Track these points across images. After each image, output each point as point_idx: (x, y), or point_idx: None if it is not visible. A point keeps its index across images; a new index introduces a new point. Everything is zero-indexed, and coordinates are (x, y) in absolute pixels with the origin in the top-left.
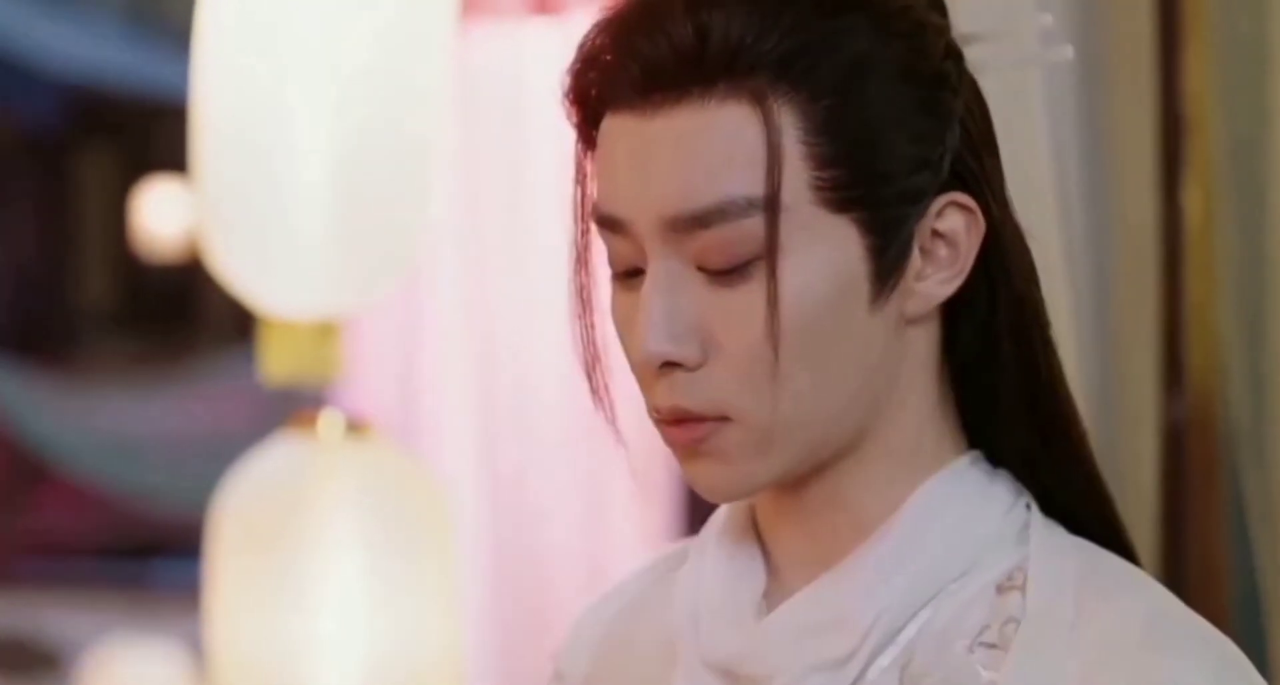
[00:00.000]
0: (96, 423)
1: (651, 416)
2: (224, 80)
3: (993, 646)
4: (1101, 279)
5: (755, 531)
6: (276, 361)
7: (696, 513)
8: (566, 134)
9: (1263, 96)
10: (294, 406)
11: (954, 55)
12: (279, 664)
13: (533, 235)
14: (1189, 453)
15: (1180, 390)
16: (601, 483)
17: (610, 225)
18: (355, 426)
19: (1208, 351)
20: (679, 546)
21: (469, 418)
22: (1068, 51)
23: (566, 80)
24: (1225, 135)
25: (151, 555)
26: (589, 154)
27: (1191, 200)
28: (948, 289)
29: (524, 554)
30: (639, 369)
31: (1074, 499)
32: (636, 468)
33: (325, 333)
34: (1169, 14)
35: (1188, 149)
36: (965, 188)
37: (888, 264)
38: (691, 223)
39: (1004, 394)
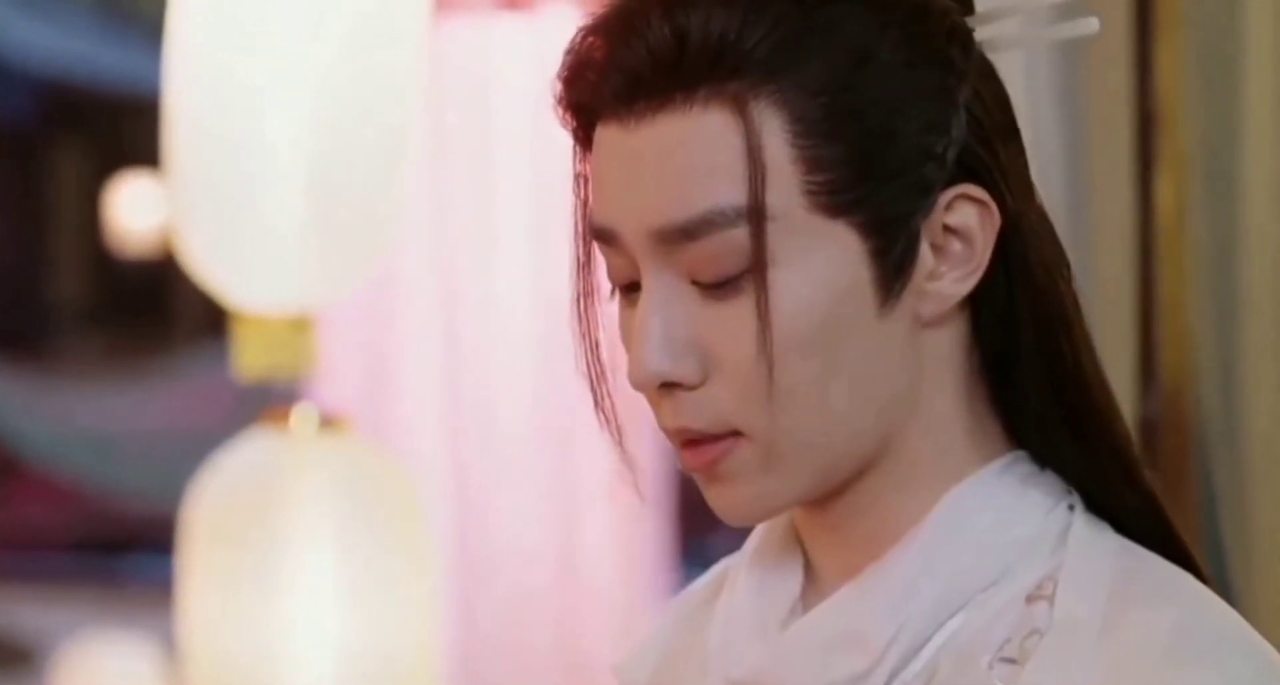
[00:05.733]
0: (70, 418)
1: (666, 436)
2: (197, 75)
3: (1011, 661)
4: (1077, 276)
5: (797, 540)
6: (249, 356)
7: (677, 511)
8: (536, 129)
9: (1235, 93)
10: (267, 401)
11: (960, 38)
12: (252, 659)
13: (502, 230)
14: (1161, 449)
15: (1153, 387)
16: (572, 478)
17: (603, 237)
18: (328, 421)
19: (1180, 349)
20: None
21: (440, 412)
22: (1092, 24)
23: (558, 88)
24: (1198, 132)
25: (125, 550)
26: (587, 160)
27: (1164, 197)
28: (964, 287)
29: (492, 548)
30: (640, 390)
31: (1113, 497)
32: (620, 472)
33: (298, 327)
34: (1143, 11)
35: (1160, 145)
36: (977, 179)
37: (892, 267)
38: (679, 235)
39: (1031, 392)
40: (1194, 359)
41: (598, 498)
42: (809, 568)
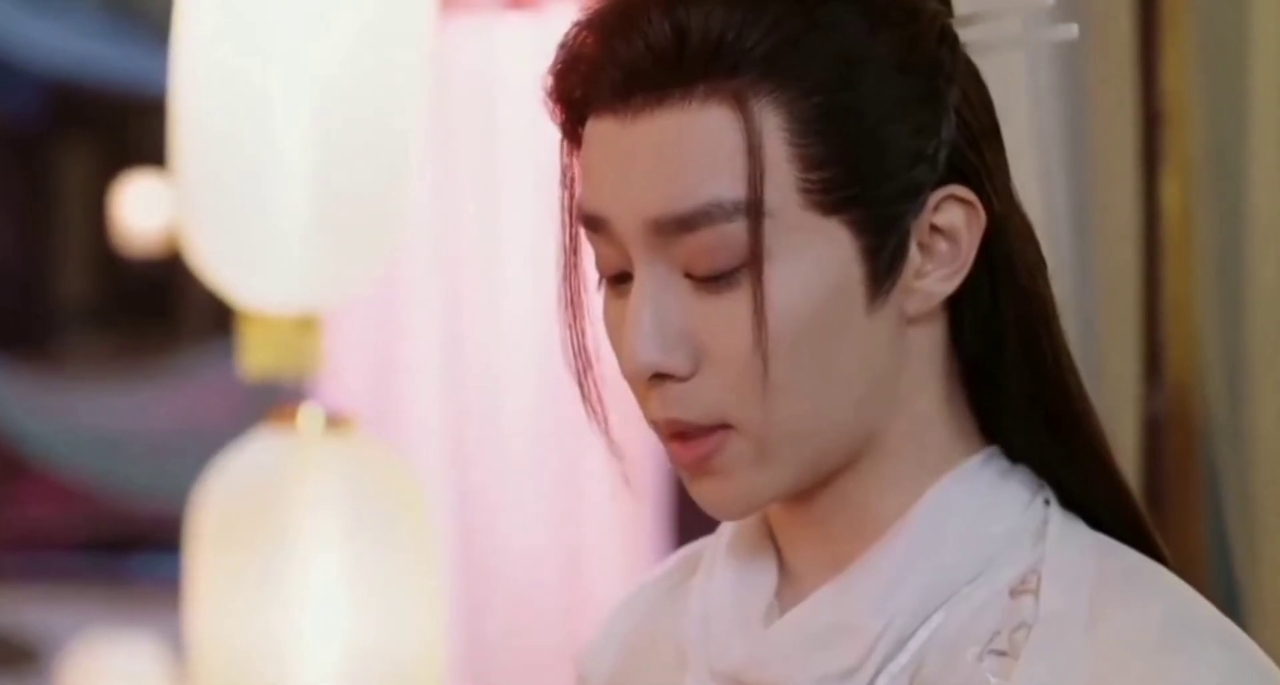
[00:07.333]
0: (77, 417)
1: (653, 429)
2: (203, 75)
3: (1003, 654)
4: (1082, 274)
5: (770, 537)
6: (256, 356)
7: (679, 510)
8: (541, 129)
9: (1241, 92)
10: (273, 401)
11: (949, 41)
12: (259, 658)
13: (508, 229)
14: (1168, 446)
15: (1159, 384)
16: (576, 477)
17: (594, 225)
18: (334, 421)
19: (1186, 346)
20: (696, 548)
21: (446, 411)
22: (1072, 30)
23: (549, 81)
24: (1204, 131)
25: (132, 549)
26: (575, 153)
27: (1170, 196)
28: (949, 285)
29: (497, 547)
30: (630, 381)
31: (1091, 494)
32: (622, 471)
33: (304, 327)
34: (1148, 9)
35: (1166, 144)
36: (964, 180)
37: (883, 265)
38: (675, 226)
39: (1012, 390)
40: (1200, 358)
41: (602, 497)
42: (783, 565)
